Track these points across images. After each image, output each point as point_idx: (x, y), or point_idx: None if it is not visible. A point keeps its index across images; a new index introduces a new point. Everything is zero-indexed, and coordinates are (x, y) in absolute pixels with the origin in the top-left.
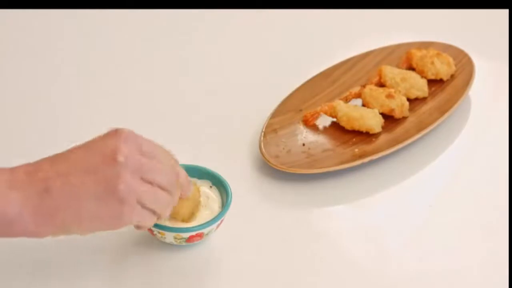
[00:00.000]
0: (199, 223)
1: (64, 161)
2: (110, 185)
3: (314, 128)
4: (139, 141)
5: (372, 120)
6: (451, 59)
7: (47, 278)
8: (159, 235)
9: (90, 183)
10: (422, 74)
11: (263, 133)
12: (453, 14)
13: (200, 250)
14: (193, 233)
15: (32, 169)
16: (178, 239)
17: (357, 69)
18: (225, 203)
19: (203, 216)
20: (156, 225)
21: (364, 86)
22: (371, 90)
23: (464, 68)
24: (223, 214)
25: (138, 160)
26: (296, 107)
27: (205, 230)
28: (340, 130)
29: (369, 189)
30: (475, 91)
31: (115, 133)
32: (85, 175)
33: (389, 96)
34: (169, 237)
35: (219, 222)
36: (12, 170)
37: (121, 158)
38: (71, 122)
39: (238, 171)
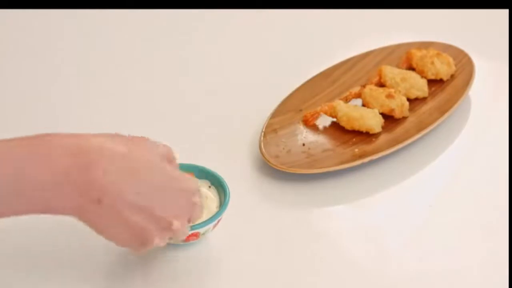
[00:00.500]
0: (195, 223)
1: (127, 177)
2: (148, 237)
3: (314, 128)
4: (195, 214)
5: (372, 120)
6: (451, 59)
7: (46, 277)
8: None
9: (136, 223)
10: (422, 74)
11: (263, 133)
12: (453, 14)
13: (200, 250)
14: (189, 233)
15: (94, 166)
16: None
17: (357, 69)
18: (223, 203)
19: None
20: None
21: (364, 86)
22: (371, 90)
23: (464, 68)
24: (220, 214)
25: (182, 233)
26: (296, 107)
27: (201, 230)
28: (340, 130)
29: (369, 189)
30: (475, 91)
31: (190, 195)
32: (136, 213)
33: (389, 96)
34: None
35: (215, 222)
36: (77, 150)
37: (174, 227)
38: (71, 122)
39: (238, 171)
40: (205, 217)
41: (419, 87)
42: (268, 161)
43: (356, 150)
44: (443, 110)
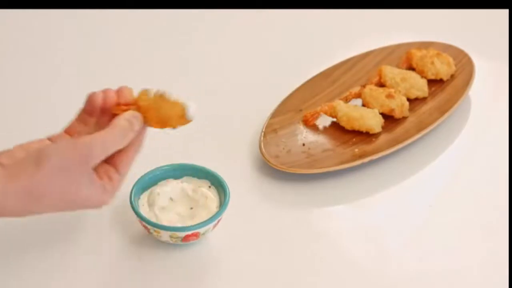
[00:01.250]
0: (195, 223)
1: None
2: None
3: (314, 128)
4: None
5: (372, 120)
6: (451, 59)
7: (45, 276)
8: (155, 234)
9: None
10: (422, 74)
11: (263, 133)
12: (453, 14)
13: (200, 250)
14: (189, 233)
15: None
16: (174, 238)
17: (357, 69)
18: (223, 203)
19: (200, 215)
20: (152, 224)
21: (364, 86)
22: (371, 90)
23: (464, 68)
24: (219, 214)
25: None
26: (296, 107)
27: (201, 230)
28: (340, 130)
29: (369, 189)
30: (475, 91)
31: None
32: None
33: (389, 96)
34: (164, 235)
35: (215, 222)
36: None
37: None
38: None
39: (238, 171)
40: (205, 217)
41: (419, 87)
42: (268, 161)
43: (356, 150)
44: (443, 110)
